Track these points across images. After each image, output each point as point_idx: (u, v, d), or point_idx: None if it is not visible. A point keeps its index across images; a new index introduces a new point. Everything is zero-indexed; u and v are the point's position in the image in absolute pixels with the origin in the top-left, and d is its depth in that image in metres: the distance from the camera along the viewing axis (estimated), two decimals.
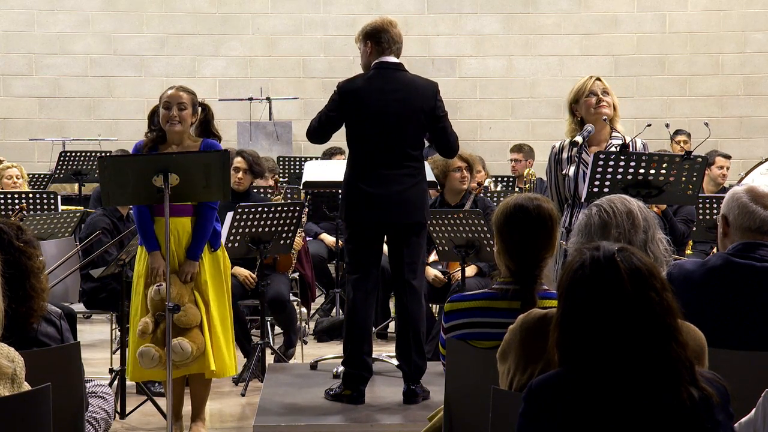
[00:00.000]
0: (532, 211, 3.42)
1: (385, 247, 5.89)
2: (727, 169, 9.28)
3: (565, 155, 5.30)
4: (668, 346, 2.33)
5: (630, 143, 5.25)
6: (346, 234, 5.85)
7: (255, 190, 7.84)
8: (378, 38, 5.75)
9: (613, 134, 5.32)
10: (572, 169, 5.21)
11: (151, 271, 5.36)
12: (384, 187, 5.64)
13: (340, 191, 8.13)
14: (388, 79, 5.72)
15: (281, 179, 9.08)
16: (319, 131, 5.81)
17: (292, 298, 7.43)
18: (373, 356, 6.22)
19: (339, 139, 6.14)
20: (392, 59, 5.77)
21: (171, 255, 5.29)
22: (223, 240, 5.94)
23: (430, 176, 6.55)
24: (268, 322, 7.32)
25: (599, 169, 5.07)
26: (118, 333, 6.96)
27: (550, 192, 5.40)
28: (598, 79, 5.37)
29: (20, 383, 3.01)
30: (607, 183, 5.07)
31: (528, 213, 3.42)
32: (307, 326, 8.38)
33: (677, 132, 10.87)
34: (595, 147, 5.28)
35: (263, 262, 6.87)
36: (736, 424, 2.66)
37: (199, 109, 5.50)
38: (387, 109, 5.65)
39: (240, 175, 7.36)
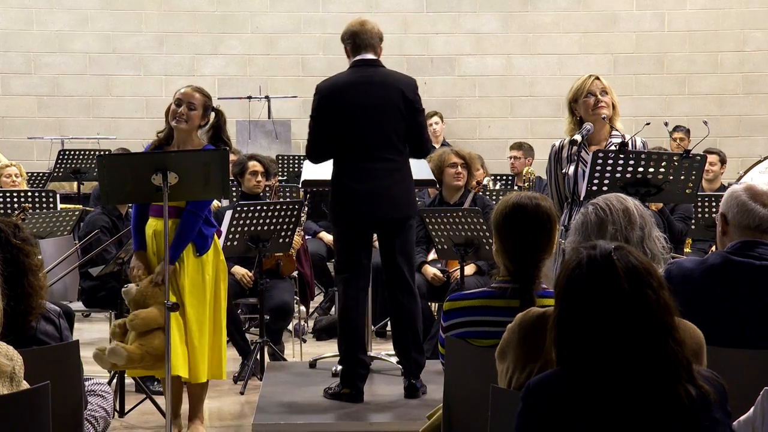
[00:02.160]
0: (530, 210, 3.42)
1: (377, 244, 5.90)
2: (712, 164, 9.22)
3: (564, 154, 5.30)
4: (665, 344, 2.34)
5: (629, 142, 5.25)
6: (334, 232, 5.86)
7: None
8: (350, 41, 5.81)
9: (613, 133, 5.32)
10: (572, 168, 5.21)
11: (131, 270, 5.37)
12: (371, 182, 5.64)
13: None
14: (367, 75, 5.74)
15: (280, 178, 9.09)
16: (313, 143, 5.76)
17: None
18: (372, 354, 6.23)
19: None
20: (369, 56, 5.78)
21: (153, 254, 5.31)
22: (222, 239, 5.93)
23: (429, 174, 6.56)
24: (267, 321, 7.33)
25: (598, 168, 5.07)
26: None
27: (549, 190, 5.41)
28: (597, 78, 5.36)
29: (19, 381, 3.01)
30: (606, 181, 5.07)
31: (527, 212, 3.42)
32: (306, 325, 8.38)
33: (675, 128, 10.86)
34: (595, 146, 5.28)
35: (263, 266, 6.89)
36: (734, 423, 2.66)
37: (212, 113, 5.46)
38: (368, 103, 5.66)
39: (259, 177, 7.57)
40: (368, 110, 5.65)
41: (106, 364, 5.32)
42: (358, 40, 5.77)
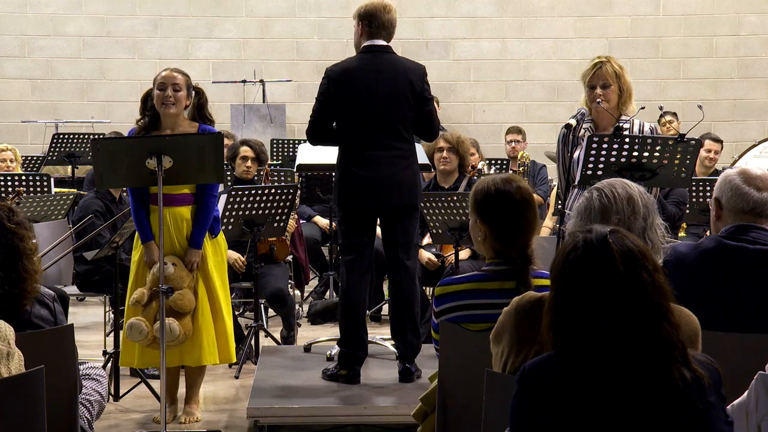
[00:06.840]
0: (515, 194, 3.46)
1: (378, 229, 5.90)
2: (716, 152, 9.24)
3: (571, 137, 5.28)
4: (660, 326, 2.34)
5: (638, 126, 5.25)
6: (338, 216, 5.85)
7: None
8: (369, 21, 5.74)
9: (622, 118, 5.27)
10: (577, 152, 5.20)
11: (147, 263, 5.35)
12: (376, 170, 5.63)
13: (334, 174, 8.17)
14: (376, 61, 5.71)
15: (274, 162, 9.07)
16: (315, 125, 5.71)
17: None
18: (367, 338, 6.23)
19: None
20: (380, 42, 5.75)
21: (171, 241, 5.31)
22: None
23: (423, 159, 6.55)
24: (262, 305, 7.32)
25: (593, 152, 5.07)
26: (112, 315, 6.96)
27: (557, 172, 5.39)
28: (602, 66, 5.30)
29: (12, 353, 3.03)
30: (601, 166, 5.07)
31: (512, 197, 3.45)
32: (300, 309, 8.38)
33: (663, 114, 10.82)
34: (602, 131, 5.27)
35: (257, 252, 6.89)
36: (728, 407, 2.67)
37: (193, 92, 5.48)
38: (376, 90, 5.64)
39: (249, 163, 7.53)
40: (375, 98, 5.63)
41: (140, 336, 5.30)
42: (375, 25, 5.71)
